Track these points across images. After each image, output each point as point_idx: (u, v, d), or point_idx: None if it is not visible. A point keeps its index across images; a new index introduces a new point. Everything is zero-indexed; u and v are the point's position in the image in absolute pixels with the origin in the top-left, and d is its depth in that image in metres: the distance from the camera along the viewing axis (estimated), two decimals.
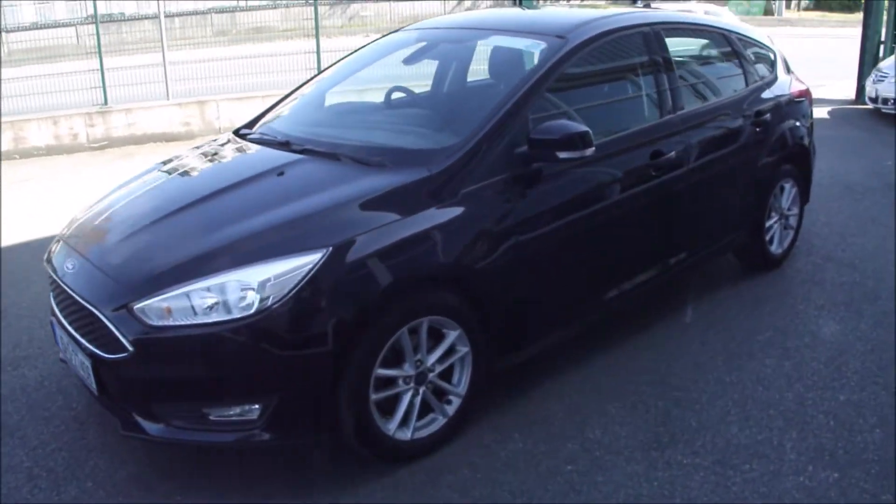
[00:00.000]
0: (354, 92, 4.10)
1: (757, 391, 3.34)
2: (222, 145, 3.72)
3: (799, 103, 4.63)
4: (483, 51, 3.83)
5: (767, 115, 4.25)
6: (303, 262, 2.55)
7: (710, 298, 4.30)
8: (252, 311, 2.50)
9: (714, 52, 4.29)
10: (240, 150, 3.56)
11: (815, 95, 12.22)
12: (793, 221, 4.77)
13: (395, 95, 3.98)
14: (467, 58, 3.90)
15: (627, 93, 3.72)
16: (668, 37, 3.87)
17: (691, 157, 3.74)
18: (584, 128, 2.98)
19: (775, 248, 4.64)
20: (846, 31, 19.99)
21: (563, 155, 2.97)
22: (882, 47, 10.55)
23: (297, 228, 2.71)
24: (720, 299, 4.29)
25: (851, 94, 10.92)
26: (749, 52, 4.39)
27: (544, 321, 3.26)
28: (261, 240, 2.68)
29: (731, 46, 4.22)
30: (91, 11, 10.64)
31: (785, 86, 4.54)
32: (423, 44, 4.02)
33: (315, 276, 2.55)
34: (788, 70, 4.80)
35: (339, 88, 4.08)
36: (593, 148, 3.01)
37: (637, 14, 3.78)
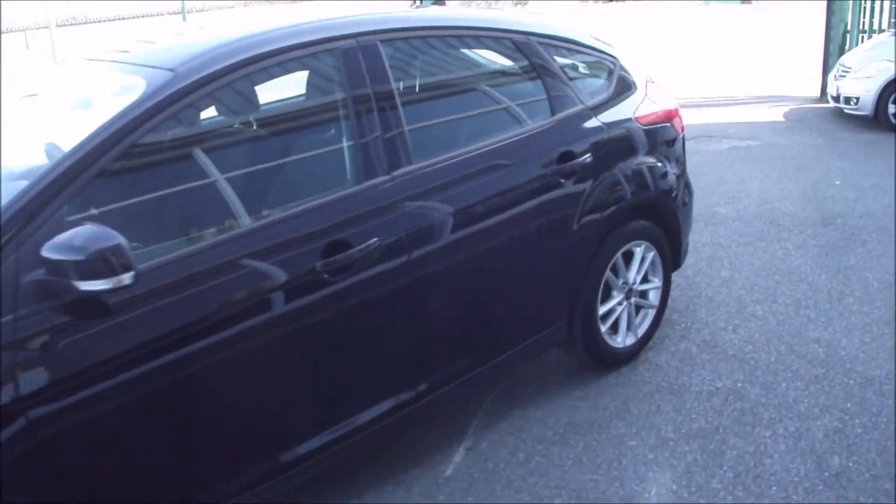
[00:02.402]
0: None
1: None
2: None
3: (656, 131, 3.24)
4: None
5: (587, 157, 2.87)
6: None
7: (501, 426, 2.95)
8: None
9: (492, 67, 2.92)
10: None
11: (776, 92, 10.86)
12: (653, 297, 3.40)
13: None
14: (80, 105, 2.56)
15: (293, 151, 2.39)
16: (397, 51, 2.53)
17: (421, 238, 2.39)
18: (113, 240, 1.71)
19: (620, 340, 3.27)
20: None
21: (85, 286, 1.68)
22: (848, 37, 9.07)
23: None
24: (515, 429, 2.93)
25: (817, 91, 9.47)
26: (564, 64, 3.00)
27: None
28: None
29: (526, 57, 2.83)
30: None
31: (628, 108, 3.14)
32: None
33: None
34: (645, 84, 3.40)
35: None
36: (132, 273, 1.72)
37: (335, 21, 2.41)
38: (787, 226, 5.04)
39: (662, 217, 3.31)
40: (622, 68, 3.24)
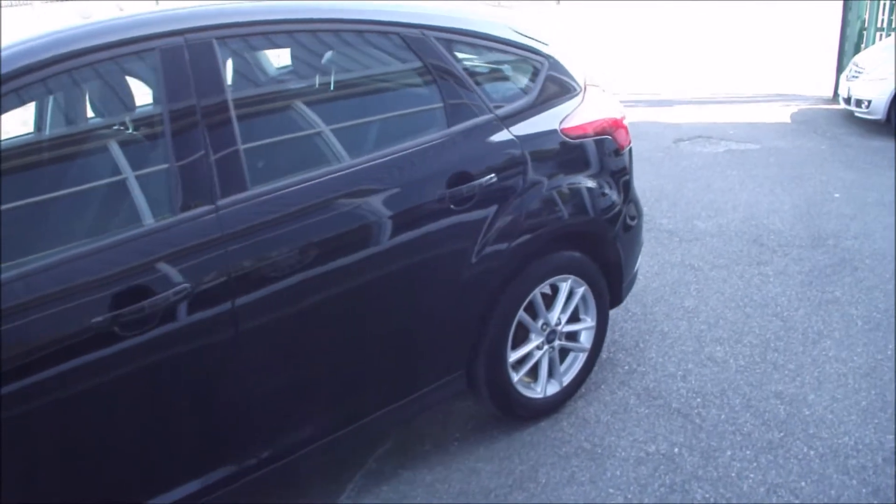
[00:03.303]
0: None
1: None
2: None
3: (590, 144, 2.72)
4: None
5: (490, 178, 2.37)
6: None
7: (381, 491, 2.48)
8: None
9: (372, 70, 2.41)
10: None
11: (787, 90, 10.12)
12: (585, 339, 2.90)
13: None
14: None
15: (90, 177, 1.95)
16: (241, 51, 2.06)
17: (251, 282, 1.92)
18: None
19: (540, 390, 2.78)
20: None
21: None
22: (865, 35, 8.39)
23: None
24: (397, 495, 2.46)
25: (830, 91, 8.82)
26: (471, 65, 2.50)
27: None
28: None
29: (418, 56, 2.32)
30: None
31: (554, 118, 2.62)
32: None
33: None
34: (584, 88, 2.86)
35: None
36: None
37: (159, 15, 1.92)
38: (770, 246, 4.49)
39: (596, 246, 2.81)
40: (554, 68, 2.72)
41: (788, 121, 7.86)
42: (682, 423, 2.81)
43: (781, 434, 2.73)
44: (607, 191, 2.77)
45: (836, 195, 5.42)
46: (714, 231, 4.77)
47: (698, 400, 2.95)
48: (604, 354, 3.27)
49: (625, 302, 3.73)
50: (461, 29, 2.42)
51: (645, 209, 5.22)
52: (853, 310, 3.65)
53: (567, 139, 2.62)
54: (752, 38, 15.20)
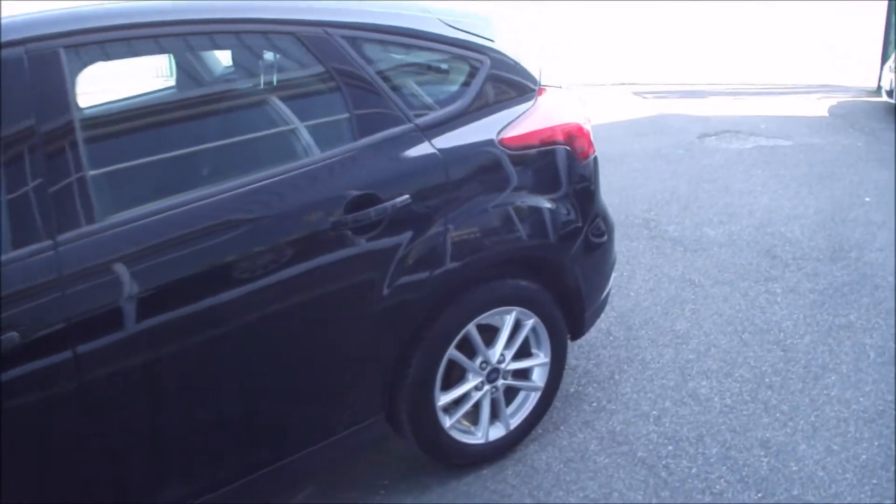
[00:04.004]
0: None
1: None
2: None
3: (536, 156, 2.36)
4: None
5: (403, 199, 2.03)
6: None
7: None
8: None
9: (260, 79, 2.08)
10: None
11: (830, 81, 9.37)
12: (538, 377, 2.55)
13: None
14: None
15: None
16: (97, 60, 1.77)
17: (98, 327, 1.65)
18: None
19: (480, 435, 2.44)
20: None
21: None
22: None
23: None
24: None
25: (873, 83, 8.18)
26: (388, 67, 2.16)
27: None
28: None
29: (319, 60, 1.99)
30: None
31: (490, 126, 2.25)
32: None
33: None
34: (537, 88, 2.48)
35: None
36: None
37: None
38: (784, 259, 4.05)
39: (549, 272, 2.45)
40: (499, 67, 2.35)
41: (826, 114, 7.29)
42: (645, 477, 2.44)
43: (759, 495, 2.35)
44: (561, 209, 2.41)
45: (867, 199, 4.92)
46: (724, 240, 4.34)
47: (669, 448, 2.58)
48: (571, 388, 2.92)
49: (608, 325, 3.38)
50: (373, 25, 2.08)
51: (651, 214, 4.82)
52: (867, 338, 3.22)
53: (507, 151, 2.26)
54: (797, 23, 14.38)
